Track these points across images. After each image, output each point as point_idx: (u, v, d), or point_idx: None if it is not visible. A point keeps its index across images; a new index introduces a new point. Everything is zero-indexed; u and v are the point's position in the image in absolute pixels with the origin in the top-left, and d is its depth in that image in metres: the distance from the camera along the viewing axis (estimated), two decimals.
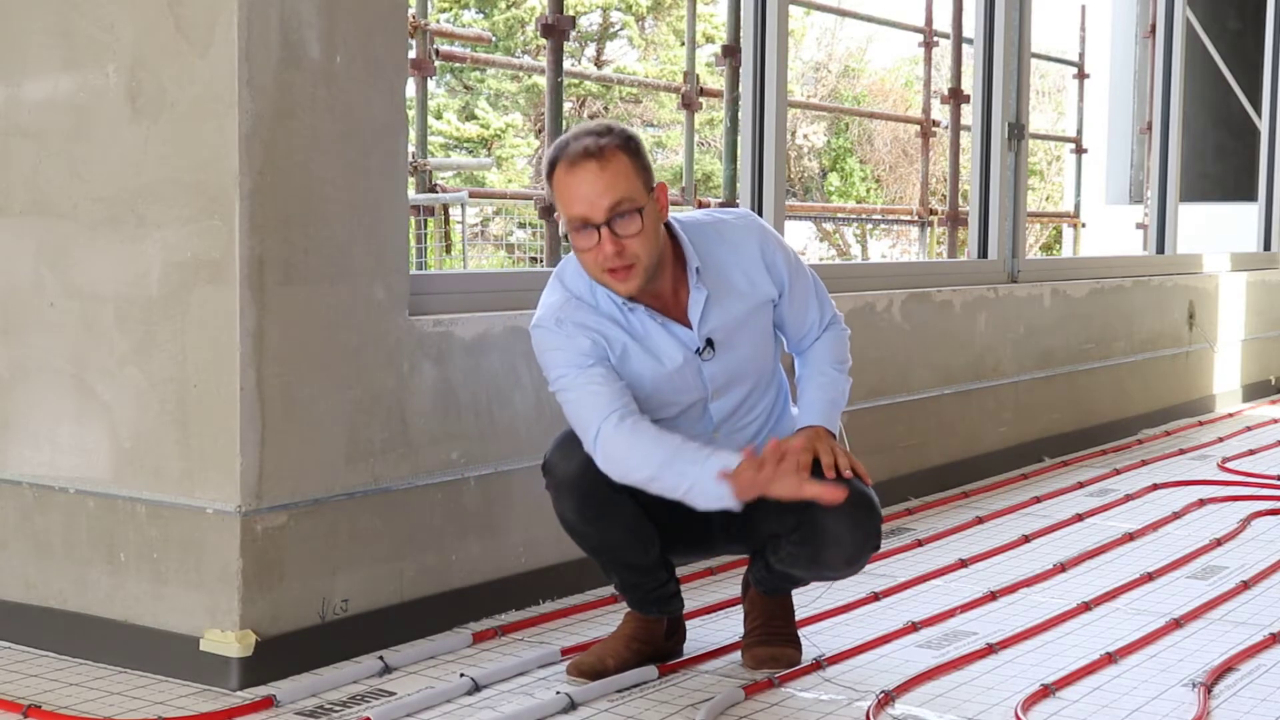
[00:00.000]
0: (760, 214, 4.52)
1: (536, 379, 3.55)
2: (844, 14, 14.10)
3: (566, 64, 7.45)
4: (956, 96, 8.85)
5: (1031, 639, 3.43)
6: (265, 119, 2.99)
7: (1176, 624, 3.54)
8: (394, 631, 3.30)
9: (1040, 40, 11.73)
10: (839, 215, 18.25)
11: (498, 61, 12.37)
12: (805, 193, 21.91)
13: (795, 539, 3.01)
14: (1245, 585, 3.91)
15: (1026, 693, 3.01)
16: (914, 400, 5.16)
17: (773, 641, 3.19)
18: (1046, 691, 3.03)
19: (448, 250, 9.42)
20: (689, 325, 3.02)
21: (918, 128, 11.72)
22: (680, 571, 3.36)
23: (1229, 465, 5.78)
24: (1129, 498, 5.13)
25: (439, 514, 3.41)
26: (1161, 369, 6.96)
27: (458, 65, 14.34)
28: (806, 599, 3.55)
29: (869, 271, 5.41)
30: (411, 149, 7.84)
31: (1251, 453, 6.10)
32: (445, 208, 9.07)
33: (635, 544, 3.06)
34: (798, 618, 3.30)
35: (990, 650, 3.31)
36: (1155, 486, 5.33)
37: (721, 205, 6.72)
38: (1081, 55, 13.20)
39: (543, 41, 6.08)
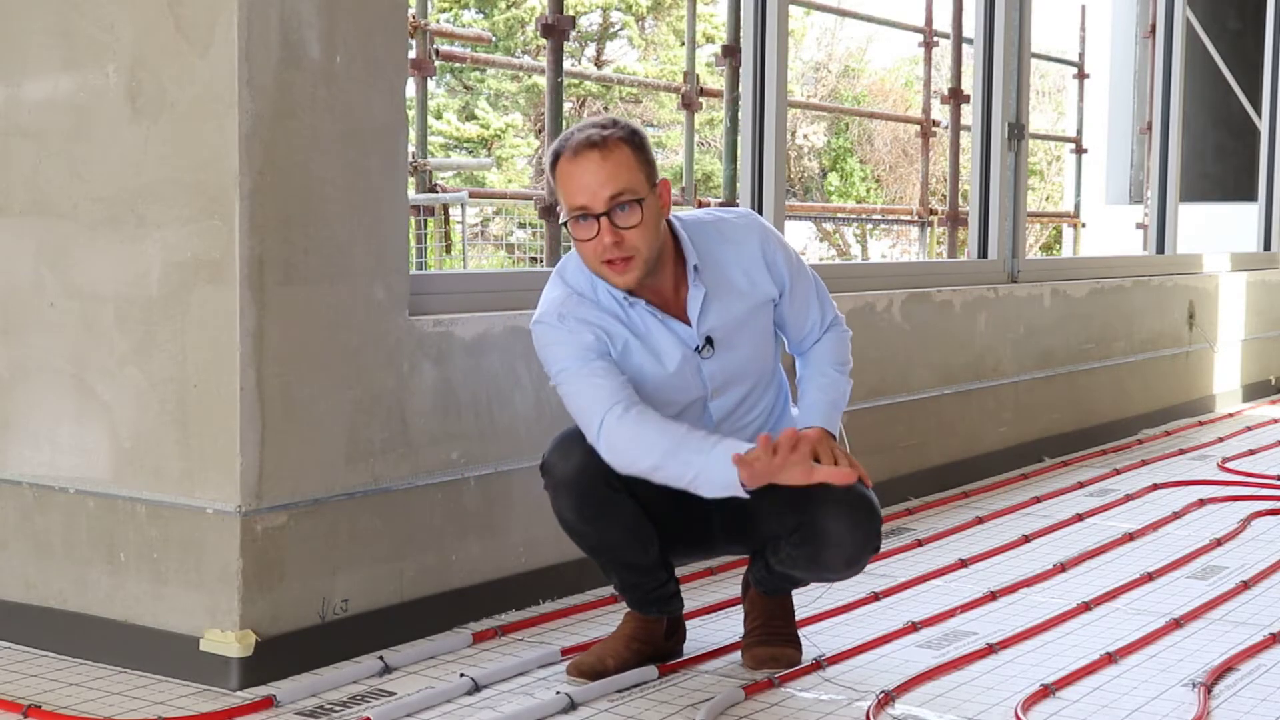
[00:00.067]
0: (760, 214, 4.51)
1: (536, 379, 3.55)
2: (844, 14, 14.11)
3: (566, 64, 7.44)
4: (956, 96, 8.85)
5: (1031, 639, 3.43)
6: (265, 119, 2.99)
7: (1176, 624, 3.54)
8: (394, 631, 3.30)
9: (1040, 40, 11.73)
10: (839, 215, 18.25)
11: (498, 61, 12.36)
12: (805, 193, 21.91)
13: (795, 540, 3.01)
14: (1245, 585, 3.90)
15: (1026, 693, 3.01)
16: (914, 400, 5.16)
17: (773, 641, 3.18)
18: (1046, 691, 3.03)
19: (448, 250, 9.42)
20: (689, 323, 3.02)
21: (918, 128, 11.72)
22: (680, 571, 3.36)
23: (1229, 465, 5.77)
24: (1129, 498, 5.13)
25: (439, 514, 3.41)
26: (1161, 369, 6.96)
27: (458, 65, 14.33)
28: (806, 599, 3.55)
29: (869, 271, 5.41)
30: (411, 149, 7.84)
31: (1251, 453, 6.10)
32: (445, 208, 9.07)
33: (634, 544, 3.05)
34: (798, 618, 3.30)
35: (990, 650, 3.31)
36: (1155, 486, 5.32)
37: (722, 205, 6.71)
38: (1081, 55, 13.20)
39: (543, 41, 6.07)
